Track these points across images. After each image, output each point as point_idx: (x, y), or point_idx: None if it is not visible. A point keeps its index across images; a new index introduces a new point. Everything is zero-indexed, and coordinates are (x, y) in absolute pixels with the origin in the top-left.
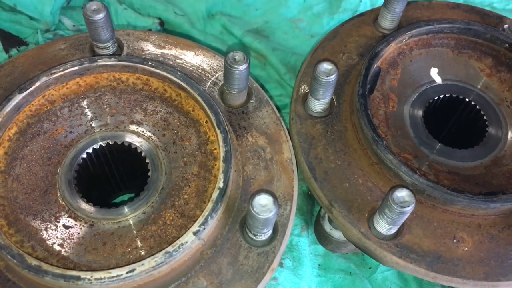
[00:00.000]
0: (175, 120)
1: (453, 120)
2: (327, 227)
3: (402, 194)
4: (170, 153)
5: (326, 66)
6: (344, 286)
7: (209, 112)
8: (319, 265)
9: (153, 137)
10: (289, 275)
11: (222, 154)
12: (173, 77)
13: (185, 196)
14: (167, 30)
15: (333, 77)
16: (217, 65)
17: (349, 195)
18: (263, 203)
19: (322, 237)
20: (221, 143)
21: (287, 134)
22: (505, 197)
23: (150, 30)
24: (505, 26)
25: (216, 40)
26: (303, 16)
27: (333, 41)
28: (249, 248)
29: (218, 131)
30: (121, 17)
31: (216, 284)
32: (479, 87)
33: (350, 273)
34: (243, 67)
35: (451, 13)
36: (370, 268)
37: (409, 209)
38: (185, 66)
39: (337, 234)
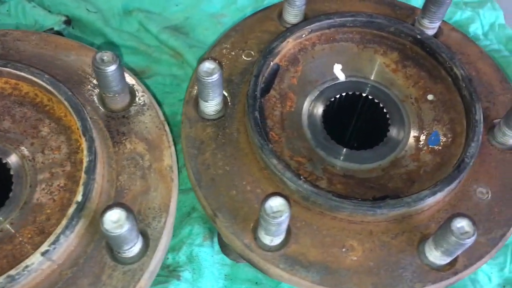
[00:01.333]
0: (45, 128)
1: (356, 120)
2: None
3: (274, 203)
4: (37, 163)
5: (208, 65)
6: None
7: (75, 118)
8: (225, 275)
9: (20, 146)
10: None
11: (84, 165)
12: (39, 81)
13: (48, 211)
14: (79, 29)
15: (215, 77)
16: None
17: (235, 203)
18: (114, 219)
19: (222, 246)
20: (85, 152)
21: (170, 139)
22: (393, 202)
23: (52, 29)
24: (416, 17)
25: (131, 38)
26: (226, 11)
27: (233, 37)
28: (114, 267)
29: (83, 139)
30: (29, 15)
31: None
32: (384, 83)
33: (256, 283)
34: (112, 68)
35: (360, 5)
36: None
37: (282, 219)
38: (64, 67)
39: None
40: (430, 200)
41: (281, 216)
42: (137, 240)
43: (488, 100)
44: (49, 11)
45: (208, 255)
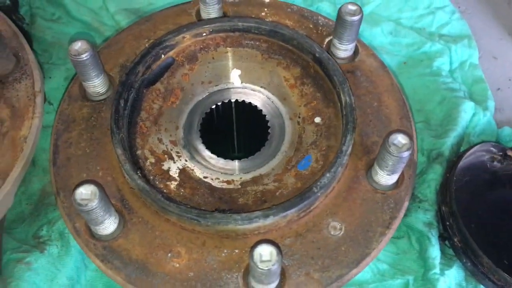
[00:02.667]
0: None
1: (237, 128)
2: None
3: (81, 190)
4: None
5: (79, 45)
6: (117, 285)
7: None
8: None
9: None
10: (47, 263)
11: None
12: None
13: None
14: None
15: (84, 57)
16: None
17: None
18: None
19: None
20: None
21: (38, 111)
22: (220, 216)
23: None
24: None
25: (89, 14)
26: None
27: (144, 25)
28: None
29: None
30: None
31: None
32: (277, 96)
33: None
34: None
35: (285, 15)
36: None
37: (90, 207)
38: None
39: None
40: (261, 223)
41: (87, 205)
42: None
43: (380, 135)
44: None
45: None
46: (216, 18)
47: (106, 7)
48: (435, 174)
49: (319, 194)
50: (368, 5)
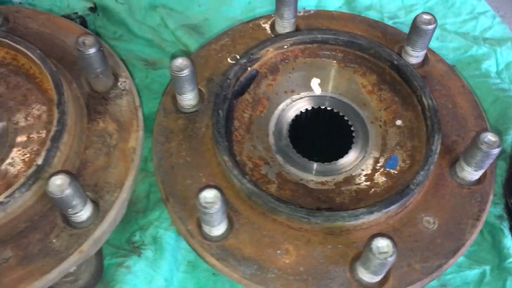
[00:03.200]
0: (33, 97)
1: (322, 133)
2: None
3: (208, 194)
4: (19, 127)
5: (180, 61)
6: (206, 286)
7: (54, 92)
8: (188, 261)
9: (9, 111)
10: (145, 266)
11: (51, 133)
12: (30, 54)
13: (18, 169)
14: (104, 16)
15: (185, 73)
16: None
17: (187, 192)
18: (58, 183)
19: None
20: (54, 122)
21: (141, 124)
22: (327, 213)
23: (76, 13)
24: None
25: (150, 32)
26: (244, 17)
27: (224, 40)
28: (63, 228)
29: (56, 111)
30: None
31: (20, 257)
32: (357, 103)
33: (213, 273)
34: (91, 51)
35: (353, 26)
36: None
37: (213, 210)
38: (61, 47)
39: None
40: (366, 219)
41: (212, 207)
42: (83, 207)
43: (458, 134)
44: None
45: (173, 239)
46: (296, 31)
47: (165, 24)
48: (500, 170)
49: (416, 191)
50: (411, 13)
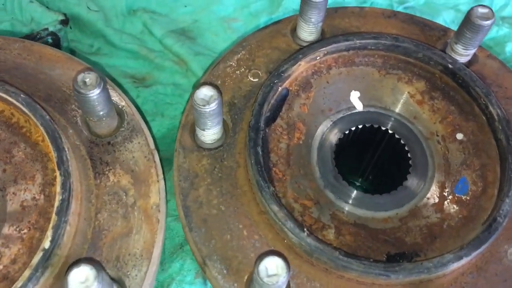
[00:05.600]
0: (20, 153)
1: (372, 157)
2: None
3: (270, 265)
4: (8, 194)
5: (205, 92)
6: None
7: (52, 147)
8: None
9: None
10: None
11: (56, 204)
12: (13, 100)
13: (15, 252)
14: (77, 29)
15: (213, 106)
16: None
17: (228, 251)
18: (81, 279)
19: None
20: (58, 189)
21: (160, 172)
22: (410, 266)
23: (46, 29)
24: (448, 40)
25: (133, 41)
26: (238, 14)
27: (239, 53)
28: None
29: (58, 173)
30: (25, 11)
31: None
32: (406, 116)
33: None
34: (95, 92)
35: (386, 23)
36: None
37: (278, 284)
38: (47, 83)
39: None
40: (454, 266)
41: (277, 282)
42: None
43: None
44: (47, 7)
45: None
46: (329, 38)
47: (149, 31)
48: None
49: (504, 223)
50: None
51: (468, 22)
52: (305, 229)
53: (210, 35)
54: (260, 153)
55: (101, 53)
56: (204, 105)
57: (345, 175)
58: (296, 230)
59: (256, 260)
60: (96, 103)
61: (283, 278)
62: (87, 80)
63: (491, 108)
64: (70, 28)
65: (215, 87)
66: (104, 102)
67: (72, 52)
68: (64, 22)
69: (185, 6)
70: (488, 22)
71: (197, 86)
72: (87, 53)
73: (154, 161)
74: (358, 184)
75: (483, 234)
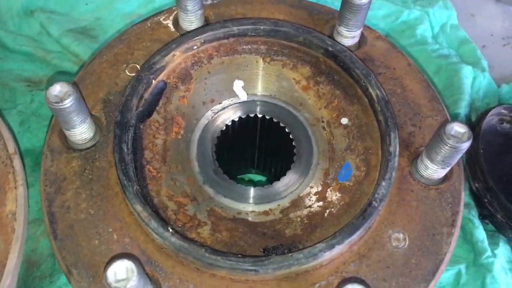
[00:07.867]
0: None
1: (260, 147)
2: None
3: (113, 269)
4: None
5: (59, 89)
6: None
7: None
8: None
9: None
10: None
11: None
12: None
13: None
14: None
15: (68, 103)
16: None
17: (96, 257)
18: None
19: None
20: None
21: (20, 178)
22: (279, 259)
23: None
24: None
25: (29, 43)
26: (143, 10)
27: (117, 48)
28: None
29: None
30: None
31: None
32: (292, 103)
33: None
34: None
35: (273, 9)
36: None
37: (129, 286)
38: None
39: None
40: (327, 255)
41: (125, 286)
42: None
43: (414, 124)
44: None
45: None
46: (205, 26)
47: (46, 32)
48: None
49: (380, 207)
50: None
51: (346, 3)
52: (169, 228)
53: (113, 32)
54: (126, 150)
55: None
56: (57, 102)
57: (235, 167)
58: (159, 230)
59: (105, 265)
60: None
61: (132, 282)
62: None
63: (370, 89)
64: None
65: (73, 84)
66: None
67: None
68: None
69: (86, 4)
70: (365, 1)
71: (51, 83)
72: None
73: (12, 166)
74: (253, 173)
75: (357, 220)
